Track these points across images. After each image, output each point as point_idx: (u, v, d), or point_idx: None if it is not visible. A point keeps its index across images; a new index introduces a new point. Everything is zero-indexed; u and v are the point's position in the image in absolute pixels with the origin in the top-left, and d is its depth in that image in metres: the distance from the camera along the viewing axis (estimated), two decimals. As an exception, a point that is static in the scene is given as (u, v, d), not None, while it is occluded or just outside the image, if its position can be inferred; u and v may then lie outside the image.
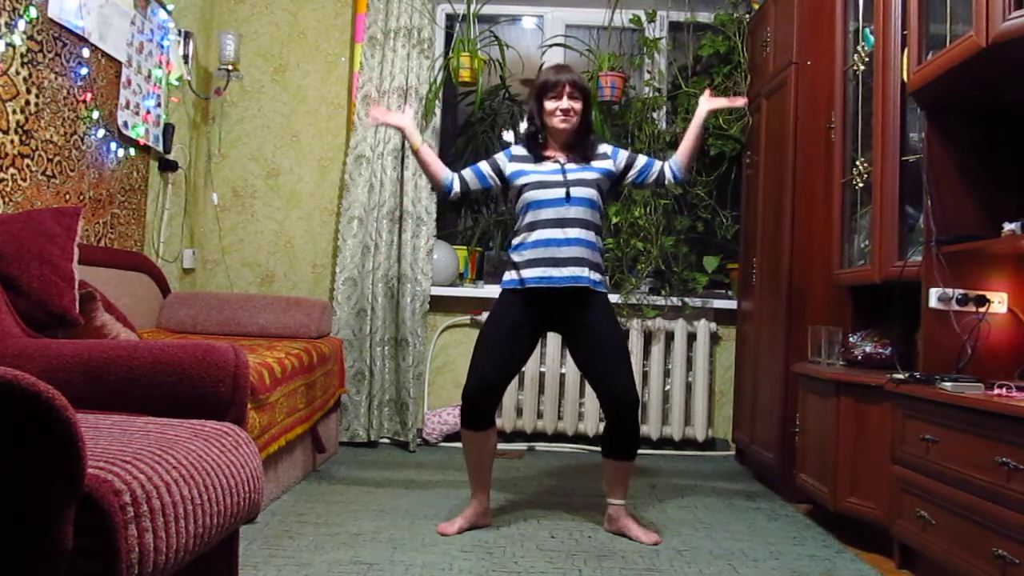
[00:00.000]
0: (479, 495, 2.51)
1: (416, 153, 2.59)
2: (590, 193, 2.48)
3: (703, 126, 2.59)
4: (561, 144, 2.54)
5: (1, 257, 1.98)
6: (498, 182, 2.59)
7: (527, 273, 2.46)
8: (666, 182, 2.61)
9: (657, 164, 2.60)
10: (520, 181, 2.52)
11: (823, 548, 2.42)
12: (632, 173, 2.59)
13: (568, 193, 2.45)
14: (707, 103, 2.58)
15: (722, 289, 4.03)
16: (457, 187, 2.60)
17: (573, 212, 2.45)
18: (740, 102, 2.68)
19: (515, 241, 2.53)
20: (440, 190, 2.64)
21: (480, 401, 2.45)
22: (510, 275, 2.52)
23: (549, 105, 2.50)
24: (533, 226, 2.48)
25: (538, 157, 2.53)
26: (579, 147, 2.54)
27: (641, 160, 2.60)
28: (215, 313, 3.36)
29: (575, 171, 2.49)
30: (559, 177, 2.48)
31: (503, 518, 2.59)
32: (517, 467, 3.41)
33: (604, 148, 2.59)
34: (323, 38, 4.06)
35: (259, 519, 2.37)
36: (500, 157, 2.61)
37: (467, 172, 2.61)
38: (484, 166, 2.61)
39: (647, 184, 2.63)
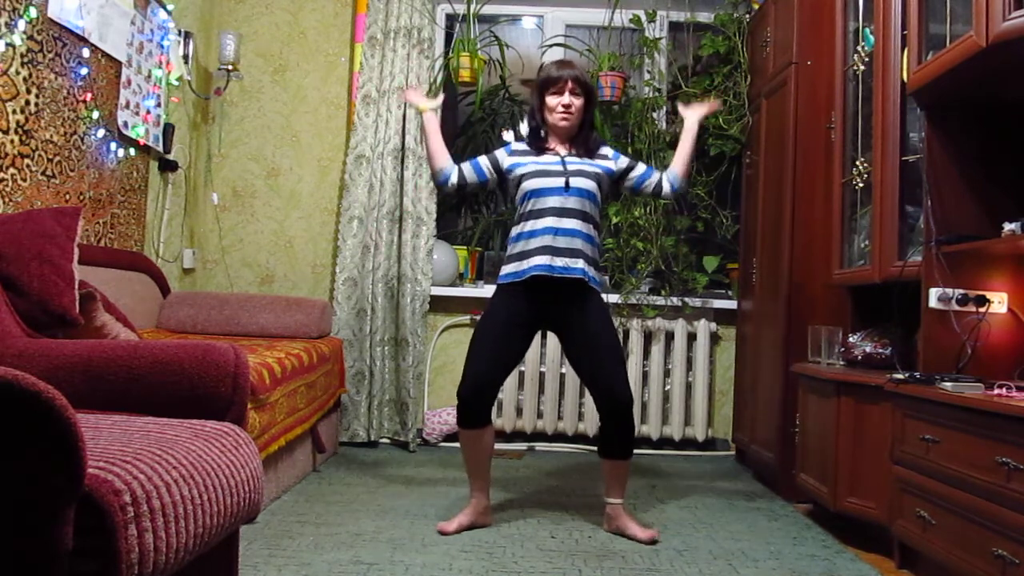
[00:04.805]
0: (478, 494, 2.51)
1: (425, 130, 2.63)
2: (589, 185, 2.47)
3: (696, 137, 2.66)
4: (562, 140, 2.55)
5: (1, 257, 1.98)
6: (495, 177, 2.58)
7: (523, 264, 2.45)
8: (663, 193, 2.62)
9: (655, 174, 2.61)
10: (519, 171, 2.51)
11: (823, 548, 2.42)
12: (630, 179, 2.60)
13: (567, 183, 2.45)
14: (693, 114, 2.67)
15: (722, 289, 4.03)
16: (454, 179, 2.59)
17: (571, 203, 2.45)
18: (715, 106, 2.84)
19: (513, 232, 2.53)
20: (436, 178, 2.62)
21: (475, 400, 2.45)
22: (505, 269, 2.52)
23: (551, 101, 2.50)
24: (531, 215, 2.47)
25: (539, 151, 2.53)
26: (581, 143, 2.54)
27: (640, 167, 2.61)
28: (215, 313, 3.36)
29: (575, 163, 2.49)
30: (559, 167, 2.47)
31: (503, 518, 2.59)
32: (517, 467, 3.41)
33: (607, 150, 2.60)
34: (323, 38, 4.06)
35: (259, 519, 2.37)
36: (500, 152, 2.60)
37: (466, 166, 2.60)
38: (483, 160, 2.60)
39: (643, 192, 2.64)
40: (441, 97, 2.93)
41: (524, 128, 2.63)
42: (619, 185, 2.63)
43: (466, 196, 4.30)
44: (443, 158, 2.60)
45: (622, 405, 2.43)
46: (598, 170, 2.51)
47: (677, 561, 2.24)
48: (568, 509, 2.73)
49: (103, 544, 1.11)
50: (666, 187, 2.61)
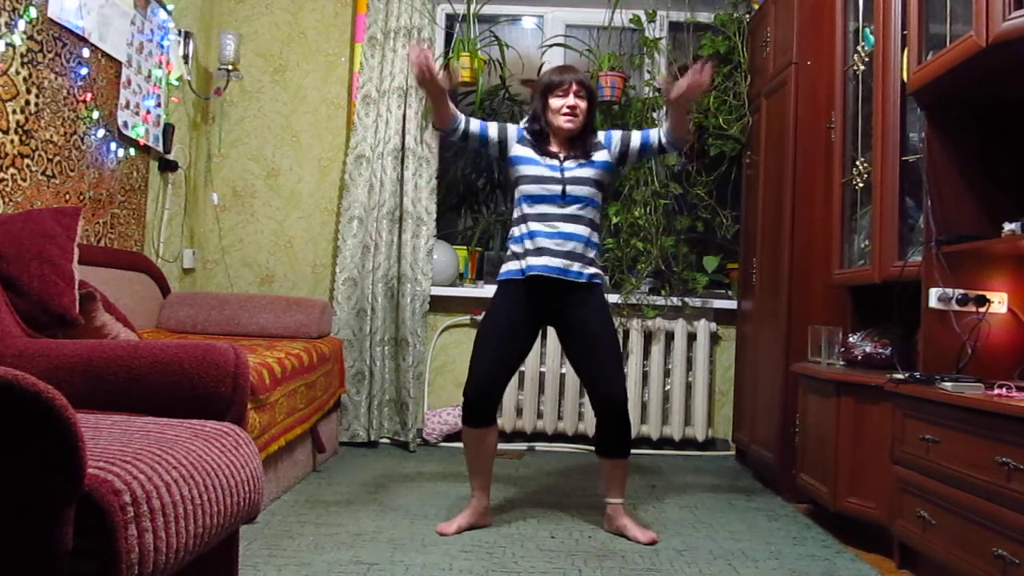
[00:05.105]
0: (479, 494, 2.51)
1: (438, 95, 2.44)
2: (587, 191, 2.48)
3: (684, 109, 2.46)
4: (562, 141, 2.54)
5: (1, 257, 1.98)
6: (496, 149, 2.57)
7: (523, 265, 2.46)
8: (667, 151, 2.59)
9: (653, 138, 2.55)
10: (519, 169, 2.52)
11: (823, 548, 2.42)
12: (632, 153, 2.57)
13: (564, 191, 2.46)
14: (676, 93, 2.37)
15: (722, 289, 4.03)
16: (461, 127, 2.53)
17: (569, 209, 2.46)
18: (702, 81, 2.35)
19: (512, 232, 2.54)
20: (446, 127, 2.52)
21: (481, 399, 2.46)
22: (506, 266, 2.53)
23: (555, 103, 2.49)
24: (527, 219, 2.48)
25: (541, 151, 2.53)
26: (581, 146, 2.53)
27: (636, 140, 2.56)
28: (215, 313, 3.36)
29: (573, 169, 2.49)
30: (557, 174, 2.47)
31: (503, 518, 2.59)
32: (517, 467, 3.41)
33: (599, 137, 2.58)
34: (323, 38, 4.06)
35: (259, 519, 2.37)
36: (511, 132, 2.57)
37: (473, 122, 2.56)
38: (492, 129, 2.56)
39: (650, 154, 2.63)
40: (446, 76, 2.50)
41: (524, 124, 2.61)
42: (622, 166, 2.64)
43: (466, 195, 4.30)
44: (455, 115, 2.52)
45: (620, 405, 2.44)
46: (596, 171, 2.50)
47: (677, 561, 2.24)
48: (568, 509, 2.73)
49: (103, 544, 1.11)
50: (667, 146, 2.54)
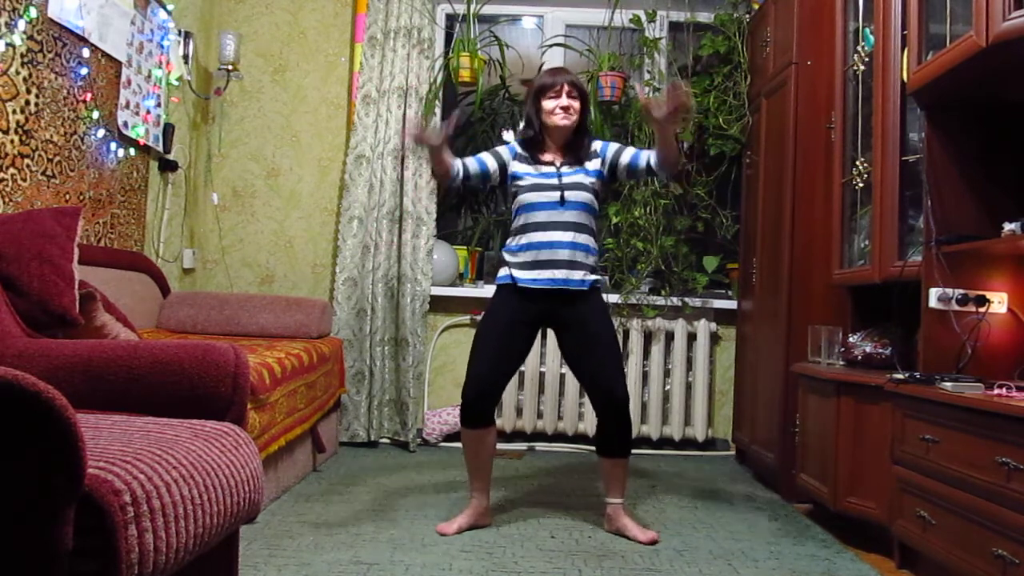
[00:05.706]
0: (478, 495, 2.51)
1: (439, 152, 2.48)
2: (585, 197, 2.48)
3: (670, 130, 2.39)
4: (559, 145, 2.54)
5: (1, 257, 1.98)
6: (499, 176, 2.56)
7: (519, 274, 2.47)
8: (655, 173, 2.53)
9: (642, 161, 2.51)
10: (517, 183, 2.52)
11: (823, 548, 2.42)
12: (621, 169, 2.54)
13: (562, 197, 2.46)
14: (658, 114, 2.30)
15: (722, 289, 4.03)
16: (461, 173, 2.53)
17: (567, 216, 2.46)
18: (682, 94, 2.25)
19: (509, 242, 2.54)
20: (448, 176, 2.54)
21: (479, 401, 2.46)
22: (504, 272, 2.53)
23: (548, 104, 2.49)
24: (527, 228, 2.48)
25: (536, 160, 2.53)
26: (575, 149, 2.53)
27: (626, 158, 2.52)
28: (215, 313, 3.36)
29: (570, 174, 2.49)
30: (554, 181, 2.48)
31: (503, 518, 2.59)
32: (517, 467, 3.41)
33: (596, 146, 2.57)
34: (323, 38, 4.06)
35: (259, 519, 2.36)
36: (504, 152, 2.57)
37: (470, 161, 2.56)
38: (489, 161, 2.56)
39: (638, 175, 2.57)
40: (441, 128, 2.52)
41: (520, 129, 2.61)
42: (614, 175, 2.59)
43: (466, 195, 4.30)
44: (452, 164, 2.53)
45: (621, 404, 2.44)
46: (593, 179, 2.51)
47: (677, 561, 2.24)
48: (568, 509, 2.73)
49: (103, 544, 1.11)
50: (655, 168, 2.48)
